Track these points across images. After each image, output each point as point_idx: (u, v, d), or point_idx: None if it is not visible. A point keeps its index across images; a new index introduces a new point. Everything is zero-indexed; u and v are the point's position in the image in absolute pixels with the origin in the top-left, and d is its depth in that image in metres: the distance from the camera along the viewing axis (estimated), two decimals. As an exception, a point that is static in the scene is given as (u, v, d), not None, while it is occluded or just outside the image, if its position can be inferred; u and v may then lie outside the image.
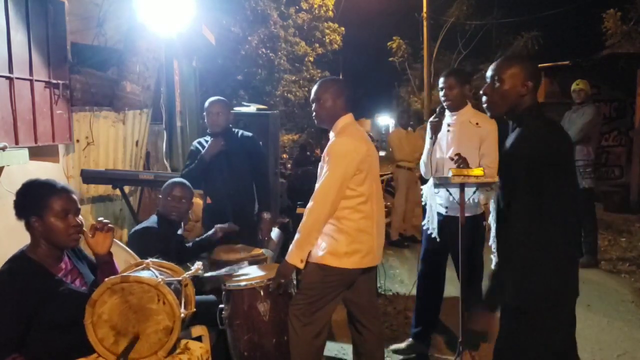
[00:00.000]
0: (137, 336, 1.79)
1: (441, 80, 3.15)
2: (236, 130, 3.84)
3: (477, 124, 3.05)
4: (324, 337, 2.57)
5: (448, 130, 3.10)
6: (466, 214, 2.85)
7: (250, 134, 3.85)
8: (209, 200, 3.66)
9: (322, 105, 2.56)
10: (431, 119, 3.17)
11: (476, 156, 3.02)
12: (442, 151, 3.14)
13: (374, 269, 2.72)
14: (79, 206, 2.05)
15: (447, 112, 3.19)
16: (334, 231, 2.46)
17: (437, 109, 3.20)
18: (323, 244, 2.47)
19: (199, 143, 3.74)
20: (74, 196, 2.02)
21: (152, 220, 3.06)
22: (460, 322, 2.75)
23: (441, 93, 3.13)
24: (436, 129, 3.10)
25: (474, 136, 3.05)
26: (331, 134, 2.57)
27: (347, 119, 2.55)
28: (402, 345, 3.43)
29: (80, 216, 2.04)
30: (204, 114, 3.71)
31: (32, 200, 1.95)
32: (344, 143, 2.45)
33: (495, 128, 3.05)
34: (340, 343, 3.57)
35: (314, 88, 2.62)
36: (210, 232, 3.28)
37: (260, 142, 3.94)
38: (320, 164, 2.51)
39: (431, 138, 3.13)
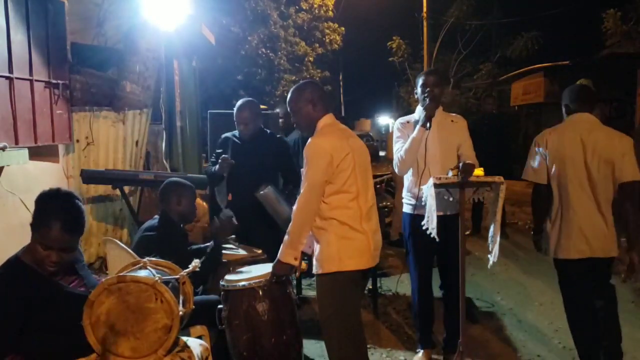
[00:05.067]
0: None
1: (422, 78, 3.14)
2: (268, 131, 3.91)
3: (452, 120, 3.22)
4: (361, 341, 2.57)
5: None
6: (447, 213, 2.99)
7: (278, 134, 3.94)
8: (229, 197, 3.69)
9: (300, 115, 2.55)
10: (425, 105, 3.05)
11: (455, 150, 3.15)
12: (424, 149, 3.05)
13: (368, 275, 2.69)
14: (72, 247, 1.95)
15: (419, 111, 3.14)
16: (325, 236, 2.46)
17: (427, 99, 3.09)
18: (318, 253, 2.49)
19: (233, 135, 3.80)
20: (70, 237, 1.91)
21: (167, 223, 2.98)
22: (460, 322, 2.75)
23: (423, 90, 3.09)
24: (431, 113, 2.99)
25: (453, 133, 3.18)
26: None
27: (326, 119, 2.54)
28: (420, 356, 3.31)
29: (68, 255, 1.95)
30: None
31: (37, 212, 1.92)
32: (317, 143, 2.43)
33: (466, 123, 3.27)
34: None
35: (288, 98, 2.59)
36: (210, 244, 3.25)
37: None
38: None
39: (424, 125, 2.98)
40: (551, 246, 2.88)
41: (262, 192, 3.42)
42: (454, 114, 3.32)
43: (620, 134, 2.79)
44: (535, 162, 2.90)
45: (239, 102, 3.73)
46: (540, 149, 2.89)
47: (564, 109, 3.00)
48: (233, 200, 3.70)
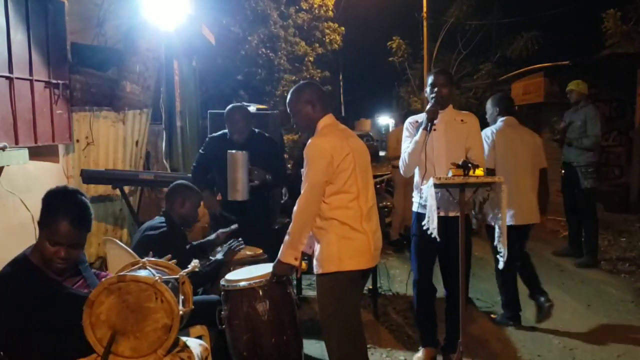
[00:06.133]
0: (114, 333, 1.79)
1: (432, 77, 3.13)
2: (257, 130, 3.85)
3: (462, 120, 3.12)
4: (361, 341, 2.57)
5: (434, 130, 2.99)
6: (450, 214, 2.99)
7: (267, 134, 3.88)
8: (219, 197, 3.68)
9: (300, 116, 2.56)
10: (428, 107, 3.01)
11: (464, 151, 3.06)
12: (431, 150, 3.04)
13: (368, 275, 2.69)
14: (80, 242, 1.97)
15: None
16: (326, 236, 2.46)
17: (432, 101, 3.07)
18: (318, 253, 2.49)
19: (221, 136, 3.74)
20: (78, 233, 1.93)
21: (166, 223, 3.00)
22: (460, 322, 2.75)
23: (431, 89, 3.08)
24: (433, 116, 2.95)
25: (461, 133, 3.10)
26: None
27: (326, 120, 2.54)
28: (420, 355, 3.30)
29: (76, 251, 1.96)
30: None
31: (44, 210, 1.93)
32: (317, 144, 2.44)
33: (478, 122, 3.16)
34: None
35: (288, 100, 2.60)
36: (211, 237, 3.27)
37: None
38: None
39: (426, 128, 2.94)
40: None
41: (235, 151, 3.42)
42: (465, 112, 3.23)
43: (535, 133, 3.97)
44: (485, 152, 3.47)
45: (230, 112, 3.62)
46: (490, 142, 3.74)
47: (494, 112, 3.92)
48: (225, 201, 3.68)
